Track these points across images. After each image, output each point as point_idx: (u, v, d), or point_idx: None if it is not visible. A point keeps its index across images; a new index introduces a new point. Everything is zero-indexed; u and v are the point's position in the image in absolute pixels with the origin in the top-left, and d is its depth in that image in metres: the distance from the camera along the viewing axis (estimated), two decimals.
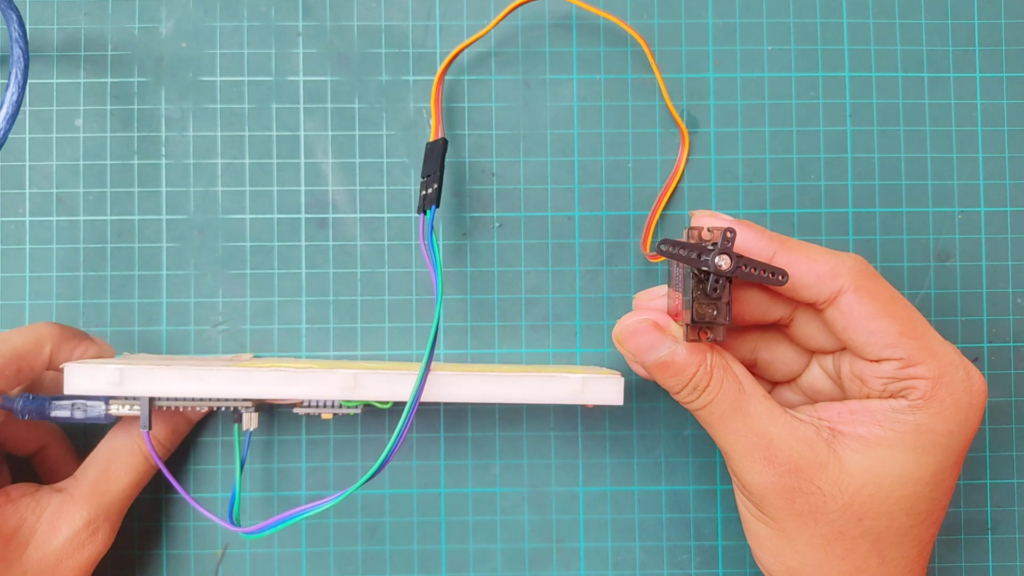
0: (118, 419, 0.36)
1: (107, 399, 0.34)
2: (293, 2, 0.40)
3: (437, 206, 0.35)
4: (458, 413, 0.39)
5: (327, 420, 0.39)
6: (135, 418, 0.35)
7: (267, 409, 0.39)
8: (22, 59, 0.35)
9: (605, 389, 0.34)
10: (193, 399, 0.34)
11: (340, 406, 0.34)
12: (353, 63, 0.40)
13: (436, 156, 0.36)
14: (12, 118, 0.35)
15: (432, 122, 0.38)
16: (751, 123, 0.40)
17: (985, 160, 0.40)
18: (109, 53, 0.39)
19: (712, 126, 0.40)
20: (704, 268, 0.29)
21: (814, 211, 0.40)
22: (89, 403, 0.34)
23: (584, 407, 0.38)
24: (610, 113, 0.40)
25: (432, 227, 0.35)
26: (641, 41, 0.39)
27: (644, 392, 0.40)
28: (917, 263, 0.40)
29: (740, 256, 0.29)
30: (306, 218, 0.39)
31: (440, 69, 0.38)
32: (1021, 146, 0.40)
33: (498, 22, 0.38)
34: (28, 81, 0.39)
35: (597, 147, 0.40)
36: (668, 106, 0.39)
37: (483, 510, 0.39)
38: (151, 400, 0.34)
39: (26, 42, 0.35)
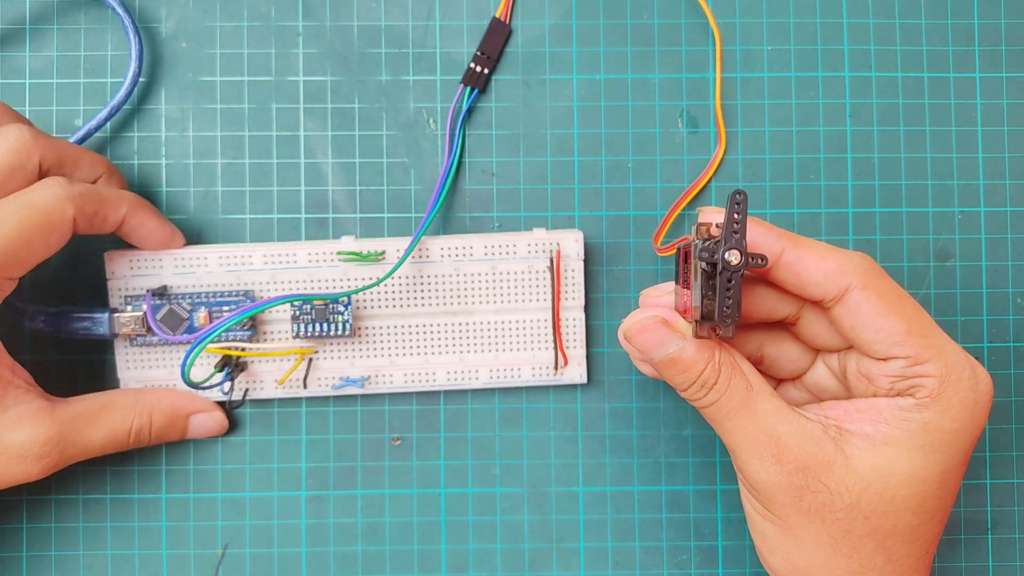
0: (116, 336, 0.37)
1: (112, 311, 0.37)
2: (293, 2, 0.40)
3: (481, 91, 0.39)
4: (458, 413, 0.39)
5: (325, 420, 0.39)
6: (146, 389, 0.37)
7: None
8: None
9: (567, 232, 0.38)
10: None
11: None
12: (353, 63, 0.40)
13: (498, 39, 0.39)
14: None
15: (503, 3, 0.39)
16: (751, 123, 0.40)
17: (985, 160, 0.40)
18: (109, 53, 0.39)
19: (712, 126, 0.40)
20: (724, 235, 0.28)
21: (814, 211, 0.40)
22: (96, 315, 0.37)
23: (561, 366, 0.38)
24: (610, 113, 0.40)
25: (468, 107, 0.39)
26: (713, 24, 0.40)
27: (644, 392, 0.40)
28: (917, 263, 0.40)
29: (740, 273, 0.29)
30: (306, 218, 0.39)
31: None
32: (1021, 146, 0.40)
33: None
34: (35, 82, 0.39)
35: (597, 147, 0.40)
36: (716, 102, 0.39)
37: (483, 510, 0.39)
38: (162, 289, 0.37)
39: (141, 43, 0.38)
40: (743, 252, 0.28)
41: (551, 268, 0.37)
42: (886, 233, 0.40)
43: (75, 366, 0.39)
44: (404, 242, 0.37)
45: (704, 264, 0.29)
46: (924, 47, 0.40)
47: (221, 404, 0.38)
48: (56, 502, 0.39)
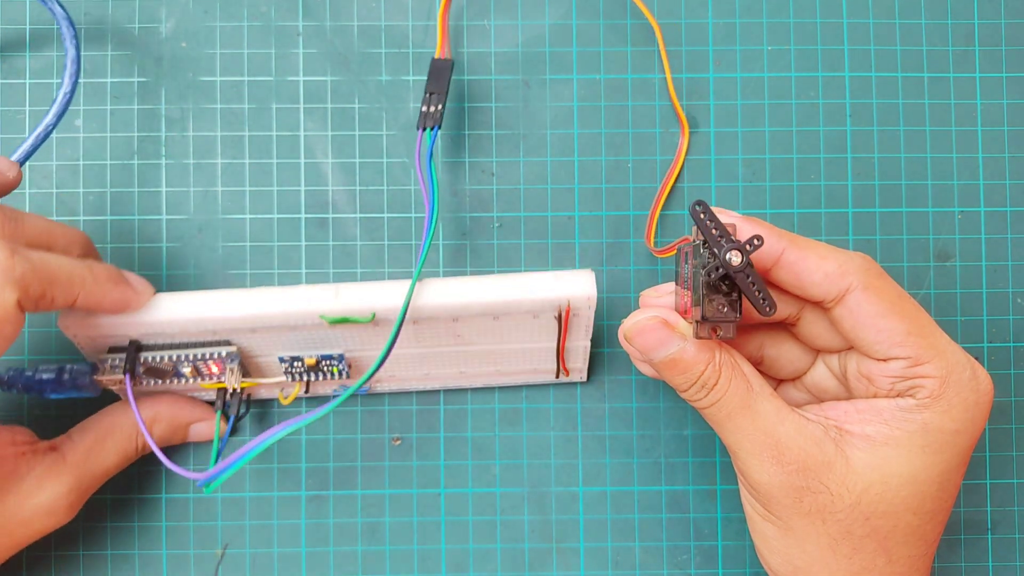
0: (102, 390, 0.36)
1: (93, 365, 0.35)
2: (293, 2, 0.40)
3: (439, 127, 0.36)
4: (458, 413, 0.39)
5: (325, 419, 0.39)
6: (143, 401, 0.36)
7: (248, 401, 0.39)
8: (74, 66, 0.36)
9: (579, 281, 0.34)
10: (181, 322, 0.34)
11: (320, 363, 0.35)
12: (353, 63, 0.40)
13: (443, 75, 0.36)
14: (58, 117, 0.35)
15: (439, 40, 0.37)
16: (751, 123, 0.40)
17: (985, 160, 0.40)
18: (109, 53, 0.39)
19: (712, 126, 0.40)
20: (714, 249, 0.28)
21: (814, 211, 0.40)
22: (76, 367, 0.35)
23: (563, 375, 0.38)
24: (610, 113, 0.40)
25: (432, 148, 0.35)
26: (653, 22, 0.39)
27: (644, 392, 0.40)
28: (917, 263, 0.40)
29: (751, 264, 0.28)
30: (306, 218, 0.39)
31: None
32: (1021, 146, 0.40)
33: None
34: (35, 82, 0.39)
35: (597, 147, 0.40)
36: (671, 96, 0.39)
37: (483, 510, 0.39)
38: (136, 347, 0.34)
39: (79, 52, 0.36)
40: (741, 249, 0.28)
41: (559, 318, 0.35)
42: (886, 233, 0.40)
43: None
44: (388, 291, 0.33)
45: (717, 278, 0.29)
46: (924, 47, 0.40)
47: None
48: None
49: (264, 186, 0.39)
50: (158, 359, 0.35)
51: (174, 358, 0.35)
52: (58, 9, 0.36)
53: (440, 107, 0.36)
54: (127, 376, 0.34)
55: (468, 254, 0.39)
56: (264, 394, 0.38)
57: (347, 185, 0.39)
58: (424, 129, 0.36)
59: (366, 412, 0.39)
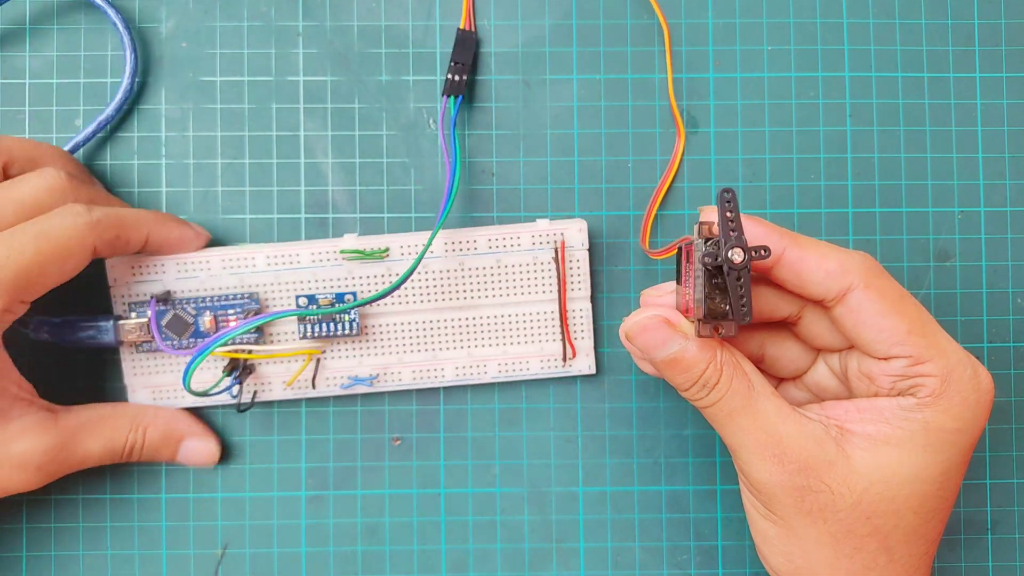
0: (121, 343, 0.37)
1: (116, 318, 0.37)
2: (293, 2, 0.40)
3: (463, 97, 0.38)
4: (458, 413, 0.39)
5: (324, 420, 0.39)
6: (147, 406, 0.37)
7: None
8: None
9: (570, 222, 0.38)
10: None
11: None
12: (353, 63, 0.40)
13: (468, 47, 0.38)
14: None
15: (464, 11, 0.39)
16: (751, 123, 0.40)
17: (985, 160, 0.40)
18: (109, 53, 0.39)
19: (712, 126, 0.40)
20: (720, 239, 0.28)
21: (814, 211, 0.40)
22: (100, 323, 0.36)
23: (570, 357, 0.38)
24: (610, 113, 0.40)
25: (456, 115, 0.38)
26: (661, 17, 0.39)
27: (644, 392, 0.40)
28: (917, 263, 0.40)
29: (748, 269, 0.29)
30: (306, 218, 0.39)
31: None
32: (1021, 146, 0.40)
33: None
34: (35, 82, 0.39)
35: (597, 147, 0.40)
36: (670, 96, 0.39)
37: (483, 510, 0.39)
38: (165, 296, 0.37)
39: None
40: (745, 248, 0.28)
41: (556, 259, 0.37)
42: (886, 233, 0.40)
43: (76, 366, 0.39)
44: (405, 238, 0.38)
45: (710, 267, 0.29)
46: (924, 47, 0.40)
47: (233, 406, 0.38)
48: (56, 502, 0.39)
49: (264, 186, 0.39)
50: (182, 304, 0.37)
51: (198, 301, 0.37)
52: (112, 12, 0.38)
53: (464, 77, 0.38)
54: (152, 301, 0.36)
55: None
56: (272, 395, 0.38)
57: (347, 185, 0.39)
58: (449, 96, 0.38)
59: (366, 412, 0.39)
